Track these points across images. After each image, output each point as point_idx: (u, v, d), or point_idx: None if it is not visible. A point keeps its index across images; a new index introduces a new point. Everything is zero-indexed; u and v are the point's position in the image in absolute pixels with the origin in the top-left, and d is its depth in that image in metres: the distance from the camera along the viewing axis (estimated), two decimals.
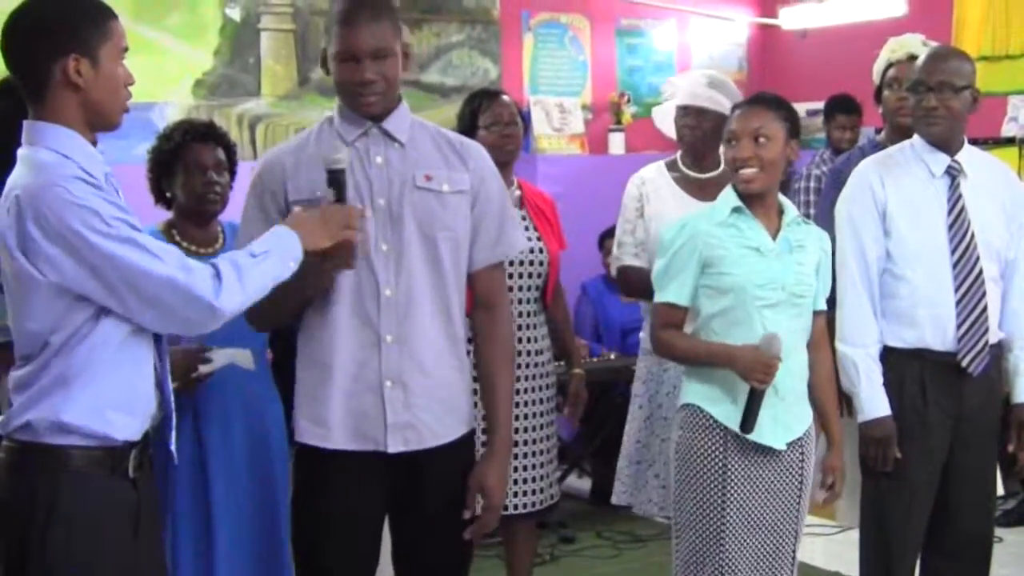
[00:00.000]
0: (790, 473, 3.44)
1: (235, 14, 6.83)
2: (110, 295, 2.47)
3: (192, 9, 6.69)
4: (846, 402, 4.04)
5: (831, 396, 3.60)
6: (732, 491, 3.34)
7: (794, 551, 3.49)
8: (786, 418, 3.41)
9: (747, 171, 3.38)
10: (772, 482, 3.40)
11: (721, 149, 3.49)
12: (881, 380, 3.67)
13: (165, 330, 2.60)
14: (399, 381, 2.96)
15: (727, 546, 3.34)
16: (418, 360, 2.98)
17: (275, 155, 3.05)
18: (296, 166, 2.98)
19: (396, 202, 2.97)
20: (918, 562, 3.82)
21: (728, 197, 3.43)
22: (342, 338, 2.94)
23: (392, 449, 2.96)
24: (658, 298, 3.45)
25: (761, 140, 3.37)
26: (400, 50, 2.99)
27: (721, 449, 3.35)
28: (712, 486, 3.35)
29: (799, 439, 3.45)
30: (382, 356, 2.95)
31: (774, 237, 3.41)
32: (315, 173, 2.93)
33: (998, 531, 4.55)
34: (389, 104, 3.01)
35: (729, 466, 3.34)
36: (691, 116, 4.29)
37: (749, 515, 3.37)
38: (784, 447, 3.40)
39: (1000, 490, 4.45)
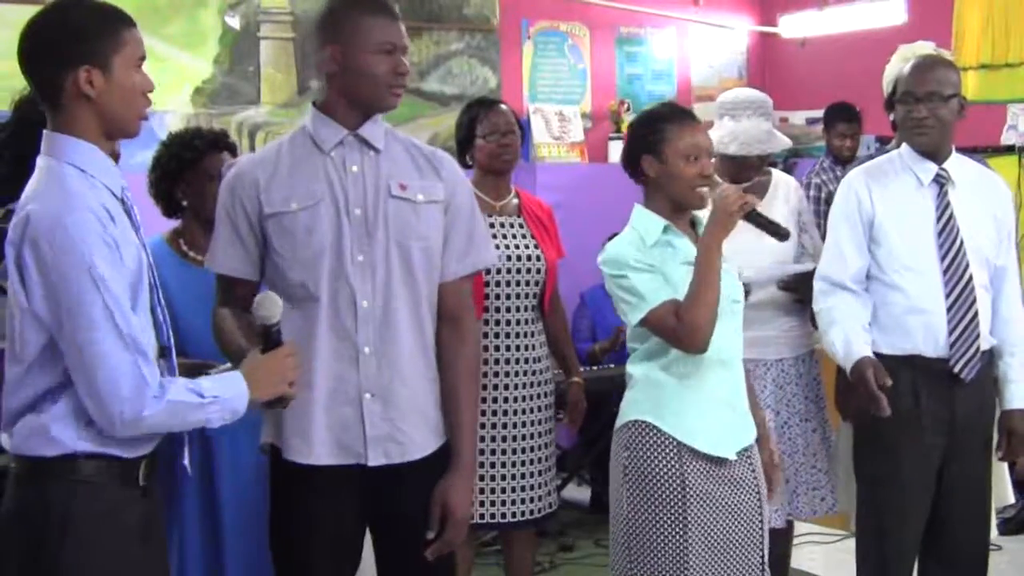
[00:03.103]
0: (746, 485, 3.33)
1: (235, 23, 6.85)
2: (66, 349, 2.44)
3: (192, 18, 6.70)
4: (844, 406, 4.05)
5: (752, 394, 3.49)
6: (693, 510, 3.21)
7: (762, 563, 3.36)
8: (737, 428, 3.34)
9: (705, 190, 3.31)
10: (731, 497, 3.28)
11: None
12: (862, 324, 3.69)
13: (83, 403, 2.49)
14: (378, 393, 2.93)
15: (691, 569, 3.20)
16: (396, 372, 2.95)
17: (245, 168, 2.99)
18: (270, 179, 2.94)
19: (371, 212, 2.94)
20: (915, 570, 3.81)
21: (650, 217, 3.31)
22: (320, 352, 2.91)
23: (373, 462, 2.93)
24: (649, 307, 3.21)
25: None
26: None
27: (677, 466, 3.22)
28: (671, 507, 3.21)
29: (747, 449, 3.35)
30: (360, 368, 2.92)
31: None
32: (291, 186, 2.93)
33: (997, 539, 4.54)
34: None
35: (688, 484, 3.21)
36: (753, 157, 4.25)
37: (712, 535, 3.24)
38: (735, 457, 3.30)
39: (1011, 498, 4.45)
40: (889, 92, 4.35)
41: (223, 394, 2.55)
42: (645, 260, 3.25)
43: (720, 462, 3.27)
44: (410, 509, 2.99)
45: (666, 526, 3.21)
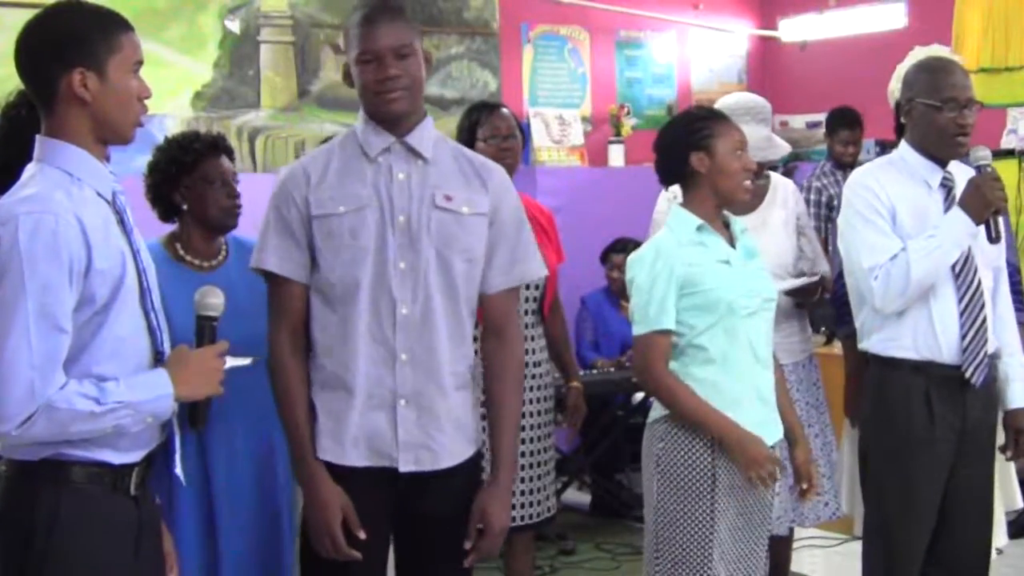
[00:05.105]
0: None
1: (235, 27, 6.85)
2: None
3: (192, 22, 6.70)
4: (854, 411, 4.04)
5: (784, 393, 3.58)
6: (720, 503, 3.32)
7: (766, 552, 3.50)
8: (768, 423, 3.42)
9: (750, 184, 3.47)
10: (750, 488, 3.38)
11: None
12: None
13: None
14: (412, 400, 2.94)
15: (715, 559, 3.31)
16: (432, 379, 2.95)
17: (299, 167, 3.01)
18: (321, 180, 2.96)
19: (416, 220, 2.94)
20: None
21: (686, 217, 3.42)
22: (358, 356, 2.92)
23: (403, 468, 2.95)
24: (649, 327, 3.35)
25: None
26: (422, 55, 2.99)
27: (710, 459, 3.32)
28: (701, 499, 3.31)
29: (774, 445, 3.44)
30: (396, 374, 2.93)
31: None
32: (338, 188, 2.94)
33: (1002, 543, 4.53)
34: (413, 107, 2.98)
35: (718, 477, 3.32)
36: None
37: (733, 524, 3.36)
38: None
39: (1020, 503, 4.44)
40: (904, 95, 4.10)
41: (137, 398, 2.47)
42: (656, 267, 3.36)
43: None
44: (436, 515, 3.01)
45: (695, 516, 3.33)
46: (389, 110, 2.95)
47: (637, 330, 3.39)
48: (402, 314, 2.93)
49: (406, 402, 2.94)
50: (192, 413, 2.67)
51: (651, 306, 3.34)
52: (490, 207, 3.04)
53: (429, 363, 2.95)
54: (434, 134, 3.04)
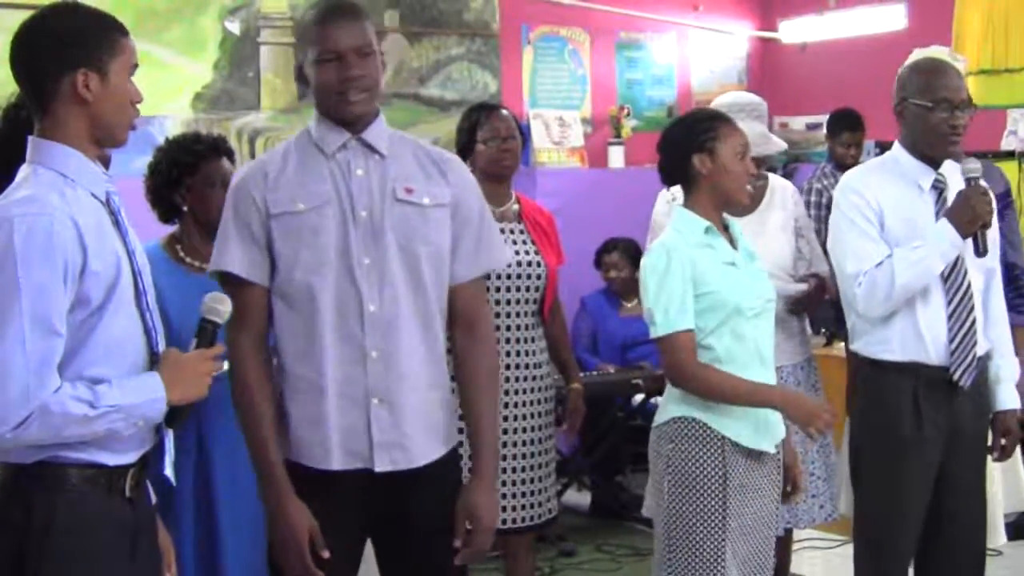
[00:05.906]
0: (774, 476, 3.48)
1: (235, 28, 6.84)
2: None
3: (192, 23, 6.70)
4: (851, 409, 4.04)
5: None
6: (732, 501, 3.34)
7: (774, 551, 3.53)
8: (773, 422, 3.44)
9: (749, 188, 3.50)
10: (760, 488, 3.43)
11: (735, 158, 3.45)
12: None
13: None
14: (385, 398, 2.91)
15: (727, 557, 3.33)
16: (404, 377, 2.92)
17: (255, 167, 2.98)
18: (277, 178, 2.93)
19: (378, 214, 2.92)
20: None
21: (692, 219, 3.43)
22: (327, 356, 2.88)
23: (379, 468, 2.91)
24: (672, 328, 3.35)
25: None
26: (380, 55, 2.96)
27: (720, 459, 3.34)
28: (713, 498, 3.33)
29: (778, 445, 3.48)
30: (368, 373, 2.90)
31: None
32: (297, 187, 2.91)
33: (1002, 544, 4.53)
34: (372, 108, 2.96)
35: (729, 476, 3.34)
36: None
37: (744, 523, 3.38)
38: (774, 450, 3.45)
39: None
40: (897, 95, 4.11)
41: (129, 401, 2.47)
42: (671, 266, 3.37)
43: (759, 455, 3.40)
44: (416, 516, 2.97)
45: (706, 517, 3.35)
46: (349, 111, 2.93)
47: (659, 332, 3.37)
48: (369, 311, 2.89)
49: (379, 400, 2.90)
50: (171, 414, 2.64)
51: (671, 307, 3.34)
52: (451, 198, 3.02)
53: (400, 360, 2.92)
54: (388, 130, 3.02)
